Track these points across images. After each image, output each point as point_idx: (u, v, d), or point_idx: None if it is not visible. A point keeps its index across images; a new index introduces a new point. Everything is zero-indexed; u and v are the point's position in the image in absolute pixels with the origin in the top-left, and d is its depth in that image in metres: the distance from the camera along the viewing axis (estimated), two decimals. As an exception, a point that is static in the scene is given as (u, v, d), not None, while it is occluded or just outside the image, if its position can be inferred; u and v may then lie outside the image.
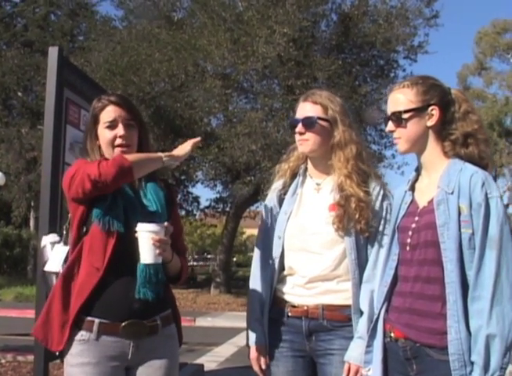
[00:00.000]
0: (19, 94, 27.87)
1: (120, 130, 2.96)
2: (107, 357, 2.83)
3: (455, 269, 2.57)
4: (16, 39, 32.63)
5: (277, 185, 3.44)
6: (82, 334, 2.86)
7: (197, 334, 12.99)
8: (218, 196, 26.63)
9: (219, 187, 25.76)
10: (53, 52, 5.04)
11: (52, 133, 4.91)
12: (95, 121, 3.02)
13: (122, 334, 2.82)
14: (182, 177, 24.43)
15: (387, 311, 2.86)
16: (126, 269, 2.81)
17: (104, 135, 2.99)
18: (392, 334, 2.78)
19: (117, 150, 2.96)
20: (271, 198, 3.43)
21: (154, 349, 2.88)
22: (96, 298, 2.84)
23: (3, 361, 9.31)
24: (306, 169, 3.38)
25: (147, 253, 2.75)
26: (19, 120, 26.96)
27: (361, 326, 3.03)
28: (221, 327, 15.89)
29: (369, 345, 2.91)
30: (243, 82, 21.15)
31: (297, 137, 3.26)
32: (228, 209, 26.80)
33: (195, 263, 51.38)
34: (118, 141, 2.96)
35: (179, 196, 27.17)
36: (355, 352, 3.02)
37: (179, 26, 21.24)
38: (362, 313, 3.06)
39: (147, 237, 2.72)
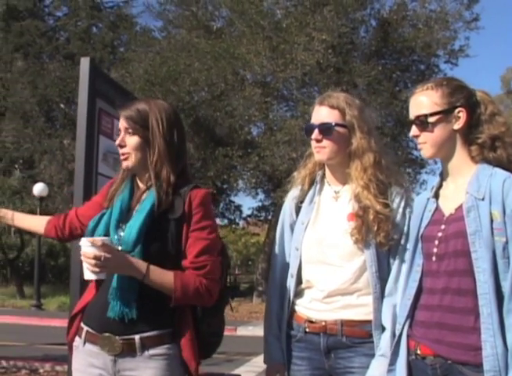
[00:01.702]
0: (62, 106, 28.17)
1: (118, 139, 2.91)
2: (93, 366, 2.81)
3: (488, 279, 2.40)
4: (59, 52, 33.09)
5: (294, 193, 3.24)
6: (76, 340, 2.91)
7: (237, 344, 12.91)
8: (260, 204, 26.60)
9: (261, 195, 25.72)
10: (85, 63, 5.02)
11: (84, 144, 4.87)
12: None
13: (100, 345, 2.77)
14: (224, 186, 24.43)
15: (410, 326, 2.68)
16: (107, 284, 2.77)
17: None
18: (419, 351, 2.59)
19: (121, 158, 2.91)
20: (288, 207, 3.25)
21: (133, 368, 2.75)
22: (88, 308, 2.89)
23: (41, 371, 9.41)
24: (324, 176, 3.18)
25: (83, 269, 2.65)
26: (61, 131, 27.21)
27: (383, 342, 2.83)
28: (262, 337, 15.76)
29: (392, 363, 2.71)
30: (283, 90, 21.13)
31: (314, 144, 3.05)
32: (270, 217, 26.69)
33: (239, 272, 51.24)
34: (119, 151, 2.91)
35: (221, 205, 27.23)
36: (376, 370, 2.81)
37: (218, 35, 21.34)
38: (383, 329, 2.87)
39: (81, 252, 2.63)
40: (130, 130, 2.86)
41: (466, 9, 20.00)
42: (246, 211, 27.99)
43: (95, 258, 2.58)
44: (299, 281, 3.09)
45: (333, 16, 18.12)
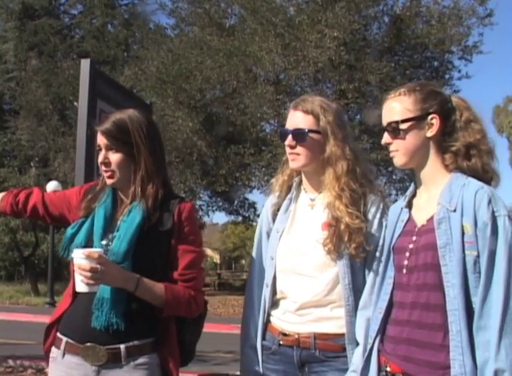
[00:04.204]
0: (75, 104, 28.25)
1: (100, 156, 2.81)
2: None
3: (458, 295, 2.31)
4: (73, 50, 33.25)
5: (272, 200, 3.15)
6: (53, 352, 2.85)
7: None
8: (274, 202, 26.49)
9: (275, 193, 25.60)
10: (85, 64, 5.02)
11: (84, 144, 4.89)
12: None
13: (82, 355, 2.72)
14: (238, 183, 24.40)
15: (382, 341, 2.60)
16: (89, 294, 2.68)
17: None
18: (388, 368, 2.51)
19: (104, 175, 2.83)
20: (265, 214, 3.16)
21: None
22: (66, 318, 2.82)
23: (47, 370, 9.38)
24: (300, 183, 3.09)
25: (76, 280, 2.62)
26: (75, 130, 27.27)
27: (355, 358, 2.73)
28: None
29: None
30: (295, 87, 21.06)
31: (287, 150, 2.96)
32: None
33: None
34: (102, 167, 2.81)
35: (235, 202, 27.23)
36: None
37: (230, 32, 21.31)
38: (357, 343, 2.77)
39: (74, 264, 2.58)
40: (112, 147, 2.78)
41: (480, 4, 19.78)
42: (260, 208, 27.96)
43: (91, 270, 2.53)
44: (274, 291, 3.01)
45: (345, 13, 18.03)
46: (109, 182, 2.83)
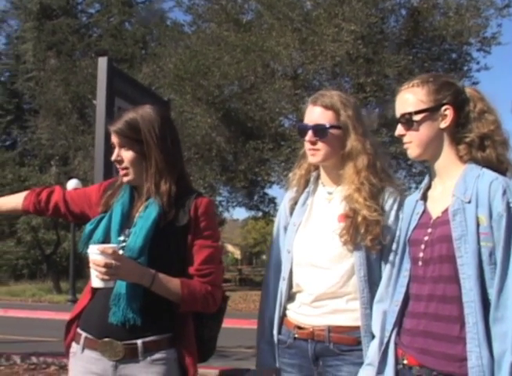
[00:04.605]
0: (94, 102, 28.40)
1: (113, 154, 2.85)
2: (91, 373, 2.78)
3: (474, 287, 2.29)
4: (91, 49, 33.39)
5: (290, 194, 3.16)
6: (73, 347, 2.87)
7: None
8: (294, 196, 26.46)
9: (294, 187, 25.56)
10: (102, 62, 5.05)
11: (103, 142, 4.91)
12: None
13: (100, 350, 2.75)
14: (258, 178, 24.39)
15: (398, 334, 2.59)
16: (107, 290, 2.71)
17: None
18: (405, 361, 2.50)
19: (120, 173, 2.88)
20: (283, 209, 3.18)
21: (134, 374, 2.73)
22: (85, 314, 2.86)
23: (70, 367, 9.48)
24: (318, 177, 3.09)
25: (91, 276, 2.63)
26: (94, 128, 27.35)
27: (371, 351, 2.73)
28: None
29: (380, 371, 2.61)
30: (313, 81, 21.00)
31: (307, 146, 2.96)
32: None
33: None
34: (116, 164, 2.88)
35: (255, 197, 27.22)
36: None
37: (247, 28, 21.27)
38: (373, 336, 2.76)
39: (90, 260, 2.60)
40: (124, 145, 2.82)
41: (498, -5, 19.66)
42: (280, 203, 27.85)
43: (106, 266, 2.55)
44: (291, 285, 3.01)
45: (362, 6, 17.94)
46: (125, 179, 2.87)
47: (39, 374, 9.32)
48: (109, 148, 4.82)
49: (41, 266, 32.95)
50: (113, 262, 2.56)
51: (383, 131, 17.72)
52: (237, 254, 68.66)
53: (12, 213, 3.36)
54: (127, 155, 2.81)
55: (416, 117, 2.53)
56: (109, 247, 2.60)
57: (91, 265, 2.59)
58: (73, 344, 2.88)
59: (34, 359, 10.03)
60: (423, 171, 20.30)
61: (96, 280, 2.61)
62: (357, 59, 18.71)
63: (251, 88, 20.77)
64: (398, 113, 2.60)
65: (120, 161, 2.83)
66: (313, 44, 18.58)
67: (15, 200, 3.17)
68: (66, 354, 2.95)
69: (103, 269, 2.56)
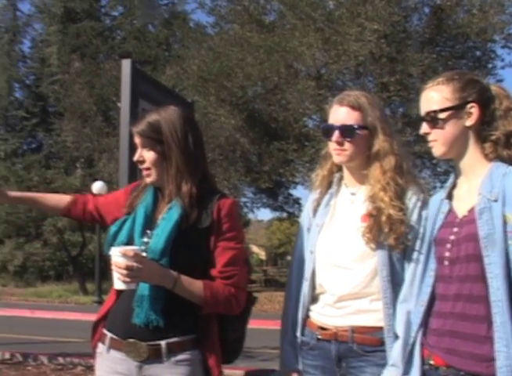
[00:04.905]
0: (118, 105, 28.58)
1: (135, 155, 2.88)
2: (116, 373, 2.80)
3: (501, 286, 2.26)
4: (114, 51, 33.60)
5: (313, 195, 3.14)
6: (99, 347, 2.90)
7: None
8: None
9: (319, 188, 25.51)
10: (126, 65, 5.08)
11: (127, 144, 4.94)
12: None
13: (124, 351, 2.77)
14: (282, 179, 24.40)
15: (424, 334, 2.56)
16: (131, 291, 2.73)
17: None
18: (432, 361, 2.48)
19: (143, 174, 2.90)
20: (306, 210, 3.16)
21: (157, 374, 2.74)
22: (111, 314, 2.89)
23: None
24: (341, 178, 3.07)
25: (114, 278, 2.65)
26: (118, 130, 27.52)
27: (395, 352, 2.69)
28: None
29: (406, 372, 2.59)
30: (337, 82, 20.95)
31: (333, 146, 2.93)
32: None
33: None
34: (139, 166, 2.91)
35: (280, 198, 27.24)
36: None
37: (270, 29, 21.25)
38: (396, 337, 2.73)
39: (112, 262, 2.61)
40: (146, 145, 2.84)
41: (523, -9, 19.47)
42: (304, 204, 27.76)
43: (127, 268, 2.57)
44: (314, 286, 2.99)
45: (384, 5, 17.85)
46: (148, 180, 2.88)
47: (66, 374, 9.40)
48: (133, 150, 4.89)
49: (68, 268, 33.17)
50: (134, 264, 2.58)
51: (407, 131, 17.65)
52: (262, 255, 68.57)
53: (50, 212, 3.45)
54: (148, 156, 2.83)
55: (442, 115, 2.51)
56: (130, 249, 2.62)
57: (113, 267, 2.61)
58: (100, 344, 2.90)
59: (60, 360, 10.13)
60: (448, 170, 20.18)
61: (118, 282, 2.63)
62: (380, 58, 18.63)
63: (275, 88, 20.75)
64: (422, 112, 2.58)
65: (142, 162, 2.85)
66: (336, 44, 18.51)
67: (56, 202, 3.24)
68: (93, 354, 2.97)
69: (125, 271, 2.57)
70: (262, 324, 13.44)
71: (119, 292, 2.84)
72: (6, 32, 45.28)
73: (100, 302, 22.16)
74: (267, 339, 10.90)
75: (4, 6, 45.78)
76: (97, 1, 41.77)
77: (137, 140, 2.86)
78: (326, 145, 3.07)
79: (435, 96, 2.54)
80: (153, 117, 2.84)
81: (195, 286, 2.73)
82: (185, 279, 2.71)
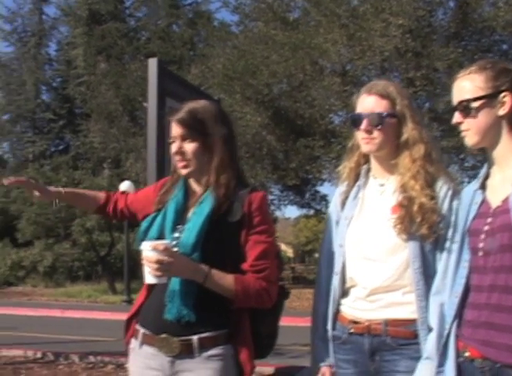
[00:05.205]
0: (145, 105, 28.72)
1: (173, 147, 2.83)
2: (149, 368, 2.80)
3: None
4: (139, 52, 33.78)
5: (340, 188, 3.11)
6: (132, 342, 2.92)
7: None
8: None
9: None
10: (152, 63, 5.09)
11: (155, 143, 4.95)
12: (168, 134, 2.93)
13: (157, 346, 2.77)
14: (309, 176, 24.36)
15: (459, 326, 2.52)
16: (163, 287, 2.74)
17: (170, 149, 2.89)
18: (467, 354, 2.44)
19: (178, 166, 2.86)
20: (334, 203, 3.13)
21: (190, 369, 2.74)
22: (143, 310, 2.89)
23: (127, 366, 9.57)
24: (368, 170, 3.04)
25: (144, 273, 2.65)
26: (145, 130, 27.66)
27: (429, 344, 2.62)
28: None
29: (441, 365, 2.54)
30: (362, 77, 20.86)
31: (362, 135, 2.89)
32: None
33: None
34: (176, 157, 2.85)
35: (307, 195, 27.20)
36: (422, 375, 2.64)
37: (295, 26, 21.25)
38: (430, 329, 2.65)
39: (143, 256, 2.62)
40: (188, 136, 2.81)
41: (549, -18, 19.25)
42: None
43: (158, 262, 2.58)
44: (344, 280, 2.96)
45: (409, 0, 17.77)
46: (184, 171, 2.85)
47: (97, 372, 9.49)
48: (161, 148, 4.93)
49: (96, 268, 33.35)
50: (165, 258, 2.59)
51: (433, 126, 17.54)
52: (289, 252, 68.62)
53: (85, 208, 3.48)
54: (190, 147, 2.81)
55: (474, 104, 2.48)
56: (160, 243, 2.63)
57: (143, 261, 2.62)
58: (133, 339, 2.92)
59: (91, 359, 10.22)
60: (475, 165, 20.05)
61: (149, 277, 2.64)
62: (406, 53, 18.52)
63: (300, 85, 20.75)
64: (455, 101, 2.55)
65: (183, 153, 2.82)
66: (361, 39, 18.45)
67: (92, 198, 3.28)
68: (126, 350, 2.98)
69: (155, 265, 2.58)
70: (291, 321, 13.43)
71: (150, 288, 2.86)
72: (33, 36, 45.80)
73: (129, 302, 22.31)
74: (297, 336, 10.90)
75: (30, 11, 46.29)
76: (121, 2, 42.04)
77: (177, 130, 2.83)
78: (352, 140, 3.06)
79: (468, 85, 2.51)
80: (192, 106, 2.84)
81: (226, 280, 2.71)
82: (217, 273, 2.70)
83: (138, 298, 3.00)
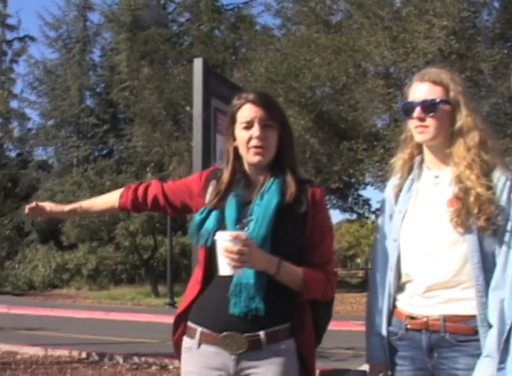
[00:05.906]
0: (187, 109, 28.86)
1: (255, 131, 2.71)
2: (210, 368, 2.71)
3: None
4: (182, 56, 33.97)
5: (394, 181, 3.01)
6: (186, 342, 2.81)
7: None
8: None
9: (389, 188, 25.32)
10: (198, 64, 5.10)
11: (201, 143, 4.94)
12: (233, 120, 2.80)
13: (220, 345, 2.68)
14: (352, 180, 24.27)
15: None
16: (222, 281, 2.65)
17: (240, 135, 2.76)
18: None
19: (252, 152, 2.75)
20: (387, 196, 3.03)
21: (257, 366, 2.66)
22: (198, 307, 2.78)
23: (171, 367, 9.70)
24: (422, 161, 2.94)
25: (220, 264, 2.55)
26: (188, 133, 27.89)
27: (489, 342, 2.52)
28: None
29: (502, 361, 2.44)
30: (406, 80, 20.71)
31: (415, 123, 2.80)
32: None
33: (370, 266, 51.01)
34: (253, 142, 2.72)
35: (349, 199, 27.09)
36: (482, 374, 2.55)
37: (337, 28, 21.25)
38: (490, 326, 2.55)
39: (219, 247, 2.53)
40: (269, 123, 2.74)
41: None
42: (375, 205, 27.52)
43: (239, 252, 2.49)
44: (399, 275, 2.88)
45: (453, 1, 17.58)
46: (257, 158, 2.76)
47: (141, 373, 9.55)
48: (207, 148, 4.94)
49: (139, 271, 33.61)
50: (245, 248, 2.51)
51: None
52: (331, 257, 68.50)
53: (109, 212, 3.34)
54: (271, 135, 2.75)
55: None
56: (242, 233, 2.55)
57: (221, 252, 2.52)
58: (186, 338, 2.82)
59: (135, 359, 10.29)
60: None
61: (226, 268, 2.54)
62: (450, 55, 18.36)
63: (343, 88, 20.73)
64: None
65: (264, 139, 2.73)
66: (404, 41, 18.35)
67: (110, 199, 3.16)
68: (175, 350, 2.91)
69: (236, 256, 2.49)
70: (335, 325, 13.26)
71: (205, 283, 2.77)
72: (77, 42, 46.46)
73: (172, 305, 22.40)
74: (340, 340, 10.90)
75: (75, 17, 46.97)
76: (164, 8, 42.41)
77: (257, 113, 2.74)
78: (396, 144, 3.00)
79: None
80: (272, 100, 2.86)
81: (295, 272, 2.66)
82: (287, 264, 2.65)
83: (187, 295, 2.88)
